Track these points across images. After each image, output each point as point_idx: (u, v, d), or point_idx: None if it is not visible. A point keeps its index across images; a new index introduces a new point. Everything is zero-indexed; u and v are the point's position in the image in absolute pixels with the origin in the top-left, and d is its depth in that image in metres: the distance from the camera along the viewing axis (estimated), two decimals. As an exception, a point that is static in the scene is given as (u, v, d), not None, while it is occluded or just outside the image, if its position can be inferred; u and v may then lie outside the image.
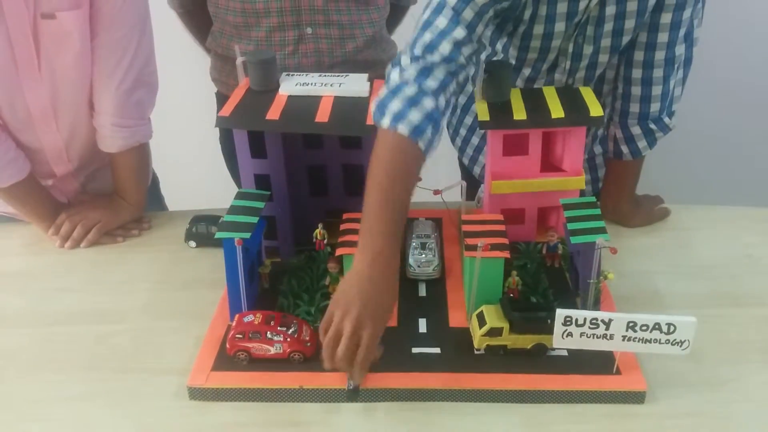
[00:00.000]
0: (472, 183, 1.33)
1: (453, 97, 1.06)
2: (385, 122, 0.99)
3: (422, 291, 1.16)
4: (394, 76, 1.04)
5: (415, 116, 0.98)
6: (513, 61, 1.26)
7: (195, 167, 1.82)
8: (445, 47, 1.02)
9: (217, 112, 1.60)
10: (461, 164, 1.55)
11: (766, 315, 1.12)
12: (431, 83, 1.02)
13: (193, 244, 1.32)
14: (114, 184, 1.39)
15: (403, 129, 0.97)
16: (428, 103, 1.00)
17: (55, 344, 1.10)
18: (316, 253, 1.21)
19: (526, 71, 1.27)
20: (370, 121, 1.08)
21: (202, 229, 1.31)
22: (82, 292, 1.22)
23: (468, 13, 1.03)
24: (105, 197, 1.39)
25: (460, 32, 1.03)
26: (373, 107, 1.03)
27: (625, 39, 1.18)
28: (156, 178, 1.60)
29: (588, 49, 1.19)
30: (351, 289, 0.91)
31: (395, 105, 0.99)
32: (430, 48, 1.03)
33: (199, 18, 1.53)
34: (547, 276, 1.16)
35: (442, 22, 1.03)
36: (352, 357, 0.88)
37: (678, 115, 1.30)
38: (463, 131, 1.45)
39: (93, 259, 1.31)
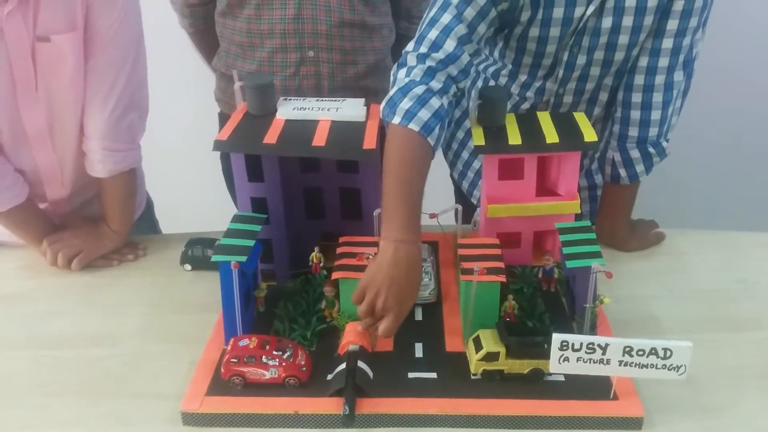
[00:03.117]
0: (467, 207, 1.34)
1: (452, 104, 1.13)
2: (397, 119, 1.05)
3: (418, 315, 1.16)
4: (401, 75, 1.11)
5: (424, 114, 1.05)
6: (509, 65, 1.29)
7: (190, 189, 1.82)
8: (450, 44, 1.09)
9: (219, 131, 1.64)
10: (457, 188, 1.56)
11: (763, 339, 1.12)
12: (436, 84, 1.08)
13: (188, 267, 1.32)
14: (101, 210, 1.37)
15: (414, 126, 1.04)
16: (436, 102, 1.06)
17: (48, 368, 1.08)
18: (312, 276, 1.20)
19: (522, 77, 1.31)
20: (366, 146, 1.09)
21: (198, 252, 1.31)
22: (75, 315, 1.21)
23: (470, 12, 1.11)
24: (89, 224, 1.37)
25: (462, 29, 1.10)
26: (382, 106, 1.10)
27: (618, 55, 1.21)
28: (150, 201, 1.60)
29: (581, 60, 1.22)
30: (380, 272, 0.98)
31: (405, 103, 1.05)
32: (436, 46, 1.09)
33: (209, 38, 1.56)
34: (544, 300, 1.16)
35: (446, 18, 1.10)
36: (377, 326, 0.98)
37: (672, 140, 1.31)
38: (465, 155, 1.47)
39: (87, 282, 1.31)
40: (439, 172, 1.46)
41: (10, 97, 1.20)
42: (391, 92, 1.09)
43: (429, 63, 1.09)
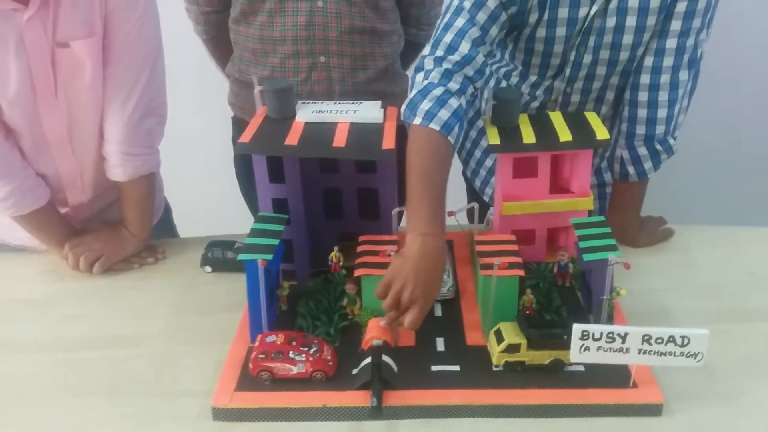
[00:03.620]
0: (479, 204, 1.37)
1: (470, 103, 1.17)
2: (417, 120, 1.10)
3: (438, 311, 1.18)
4: (419, 78, 1.15)
5: (444, 114, 1.10)
6: (519, 66, 1.33)
7: (207, 194, 1.85)
8: (465, 46, 1.14)
9: (233, 135, 1.67)
10: (469, 185, 1.59)
11: (773, 329, 1.15)
12: (453, 85, 1.13)
13: (208, 269, 1.34)
14: (121, 213, 1.40)
15: (434, 125, 1.09)
16: (454, 102, 1.11)
17: (75, 370, 1.10)
18: (332, 275, 1.23)
19: (532, 77, 1.35)
20: (385, 146, 1.12)
21: (218, 254, 1.33)
22: (99, 318, 1.23)
23: (481, 16, 1.16)
24: (110, 228, 1.39)
25: (475, 32, 1.15)
26: (403, 108, 1.14)
27: (623, 54, 1.25)
28: (168, 207, 1.62)
29: (587, 59, 1.26)
30: (406, 265, 1.02)
31: (425, 105, 1.10)
32: (452, 49, 1.14)
33: (222, 45, 1.59)
34: (559, 295, 1.19)
35: (460, 22, 1.15)
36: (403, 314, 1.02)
37: (680, 138, 1.35)
38: (478, 153, 1.51)
39: (109, 286, 1.33)
40: (451, 170, 1.50)
41: (31, 103, 1.22)
42: (411, 95, 1.14)
43: (446, 65, 1.14)
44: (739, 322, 1.17)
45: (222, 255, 1.33)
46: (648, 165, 1.33)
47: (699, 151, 2.05)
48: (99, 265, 1.34)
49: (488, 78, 1.25)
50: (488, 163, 1.48)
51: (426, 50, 1.18)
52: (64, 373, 1.10)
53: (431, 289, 1.02)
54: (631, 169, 1.33)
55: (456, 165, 1.59)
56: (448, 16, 1.17)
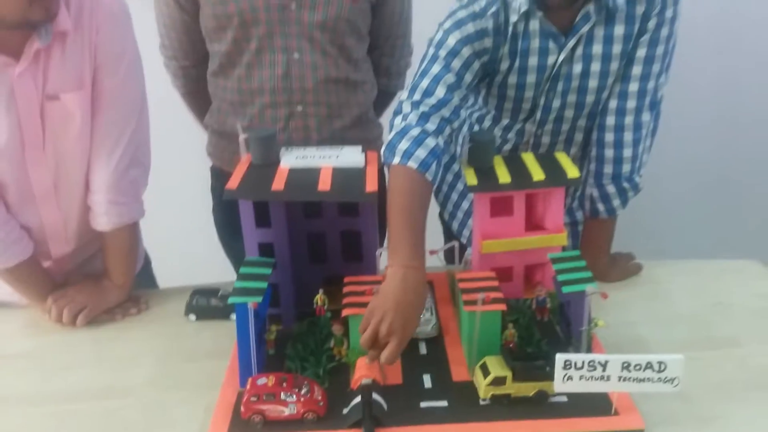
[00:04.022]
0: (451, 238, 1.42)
1: (447, 143, 1.23)
2: (396, 160, 1.16)
3: (423, 349, 1.21)
4: (398, 121, 1.21)
5: (421, 153, 1.16)
6: (492, 110, 1.40)
7: (186, 244, 1.86)
8: (441, 91, 1.21)
9: (212, 184, 1.70)
10: (447, 229, 1.64)
11: (742, 355, 1.20)
12: (430, 126, 1.19)
13: (193, 317, 1.35)
14: (104, 264, 1.41)
15: (412, 164, 1.14)
16: (431, 141, 1.17)
17: (65, 422, 1.10)
18: (317, 318, 1.25)
19: (504, 121, 1.42)
20: (368, 189, 1.17)
21: (203, 301, 1.34)
22: (85, 369, 1.23)
23: (456, 63, 1.23)
24: (92, 280, 1.40)
25: (450, 77, 1.22)
26: (383, 149, 1.19)
27: (589, 98, 1.33)
28: (148, 258, 1.63)
29: (556, 103, 1.34)
30: (388, 298, 1.05)
31: (403, 145, 1.16)
32: (428, 93, 1.21)
33: (200, 98, 1.62)
34: (539, 329, 1.23)
35: (435, 69, 1.23)
36: (381, 350, 1.03)
37: (645, 178, 1.43)
38: (454, 196, 1.56)
39: (93, 337, 1.32)
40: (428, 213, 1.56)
41: (19, 155, 1.24)
42: (390, 136, 1.19)
43: (422, 108, 1.21)
44: (710, 350, 1.22)
45: (207, 302, 1.34)
46: (616, 202, 1.39)
47: (665, 189, 2.17)
48: (82, 317, 1.33)
49: (464, 120, 1.32)
50: (465, 205, 1.54)
51: (404, 95, 1.24)
52: (55, 426, 1.09)
53: (409, 321, 1.05)
54: (600, 207, 1.40)
55: (433, 207, 1.65)
56: (425, 63, 1.25)
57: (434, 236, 1.60)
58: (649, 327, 1.28)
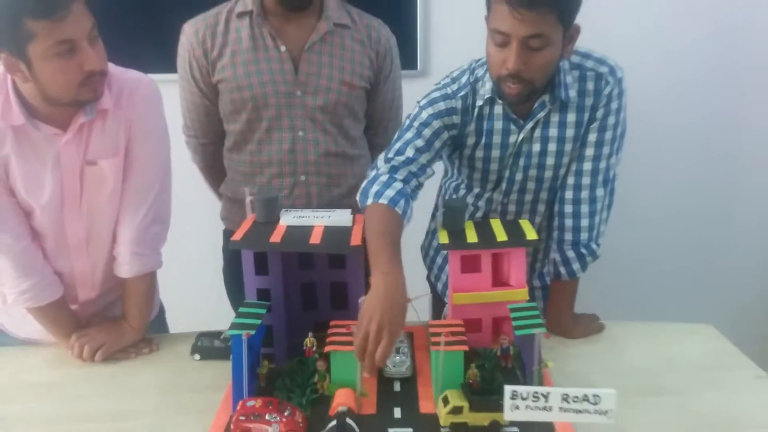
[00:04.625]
0: (440, 304, 1.59)
1: (413, 191, 1.47)
2: (370, 200, 1.40)
3: (397, 387, 1.36)
4: (371, 173, 1.46)
5: (390, 192, 1.41)
6: (465, 179, 1.62)
7: (196, 297, 2.05)
8: (410, 151, 1.47)
9: (223, 245, 1.91)
10: (433, 290, 1.82)
11: (684, 402, 1.33)
12: (399, 176, 1.44)
13: (197, 357, 1.52)
14: (123, 308, 1.60)
15: (383, 201, 1.38)
16: (398, 185, 1.41)
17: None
18: (306, 359, 1.41)
19: (476, 189, 1.63)
20: (353, 243, 1.36)
21: (207, 342, 1.52)
22: (101, 397, 1.39)
23: (427, 132, 1.49)
24: (111, 321, 1.59)
25: (420, 142, 1.47)
26: (358, 196, 1.44)
27: (548, 173, 1.54)
28: (163, 307, 1.82)
29: (519, 176, 1.55)
30: (372, 301, 1.23)
31: (374, 188, 1.41)
32: (399, 152, 1.47)
33: (216, 170, 1.86)
34: (501, 374, 1.38)
35: (408, 135, 1.49)
36: (374, 352, 1.19)
37: (605, 246, 1.61)
38: (439, 260, 1.76)
39: (109, 372, 1.49)
40: (416, 276, 1.75)
41: (58, 210, 1.46)
42: (363, 184, 1.45)
43: (393, 163, 1.46)
44: (654, 396, 1.35)
45: (210, 344, 1.52)
46: (576, 266, 1.57)
47: (623, 256, 2.37)
48: (100, 353, 1.51)
49: (429, 175, 1.54)
50: (447, 268, 1.72)
51: (381, 154, 1.50)
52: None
53: (395, 317, 1.21)
54: (562, 270, 1.58)
55: (422, 270, 1.85)
56: (401, 130, 1.52)
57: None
58: (602, 376, 1.42)
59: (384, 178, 1.44)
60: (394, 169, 1.46)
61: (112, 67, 1.44)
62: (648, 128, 2.46)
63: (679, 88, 2.54)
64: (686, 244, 2.73)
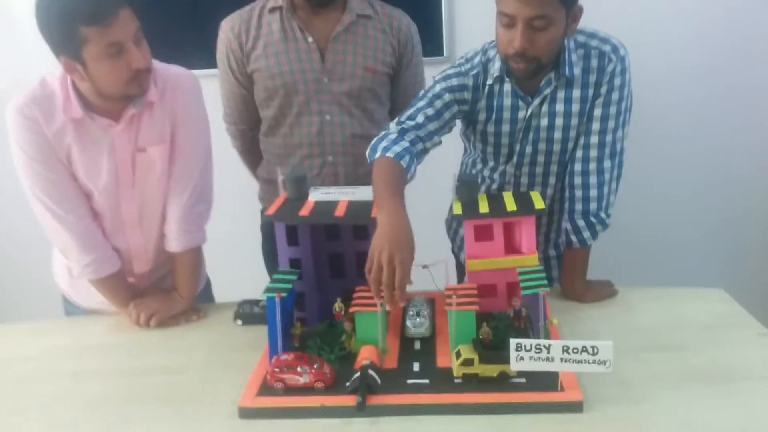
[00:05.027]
0: (463, 272, 1.72)
1: (420, 153, 1.61)
2: (378, 154, 1.54)
3: (417, 346, 1.49)
4: (381, 134, 1.59)
5: (397, 148, 1.55)
6: (480, 154, 1.74)
7: (239, 270, 2.23)
8: (420, 118, 1.61)
9: (261, 223, 2.07)
10: (457, 261, 1.95)
11: (685, 356, 1.42)
12: (406, 137, 1.58)
13: (239, 322, 1.68)
14: (173, 279, 1.77)
15: (390, 155, 1.52)
16: (405, 143, 1.55)
17: (138, 387, 1.43)
18: (336, 322, 1.56)
19: (490, 163, 1.75)
20: (374, 215, 1.49)
21: (247, 309, 1.68)
22: (155, 355, 1.57)
23: (439, 103, 1.64)
24: (164, 292, 1.77)
25: (430, 111, 1.61)
26: (367, 151, 1.59)
27: (556, 146, 1.64)
28: (209, 281, 2.00)
29: (529, 149, 1.66)
30: (380, 236, 1.36)
31: (383, 144, 1.56)
32: (410, 117, 1.61)
33: (253, 154, 2.04)
34: (514, 333, 1.49)
35: (421, 104, 1.62)
36: (392, 282, 1.31)
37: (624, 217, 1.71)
38: (461, 231, 1.88)
39: (162, 335, 1.67)
40: (444, 249, 1.89)
41: (114, 192, 1.64)
42: (373, 141, 1.59)
43: (403, 126, 1.60)
44: (658, 352, 1.45)
45: (250, 310, 1.68)
46: (587, 234, 1.67)
47: (645, 227, 2.50)
48: (154, 319, 1.69)
49: (436, 143, 1.67)
50: (461, 232, 1.85)
51: (394, 119, 1.65)
52: (132, 390, 1.42)
53: (404, 245, 1.33)
54: (573, 238, 1.68)
55: (447, 243, 1.97)
56: (416, 99, 1.66)
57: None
58: (609, 335, 1.47)
59: (393, 136, 1.58)
60: (403, 131, 1.59)
61: (157, 63, 1.61)
62: (654, 102, 2.53)
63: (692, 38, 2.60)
64: (699, 213, 2.83)
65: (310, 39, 1.83)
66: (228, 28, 1.87)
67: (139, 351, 1.60)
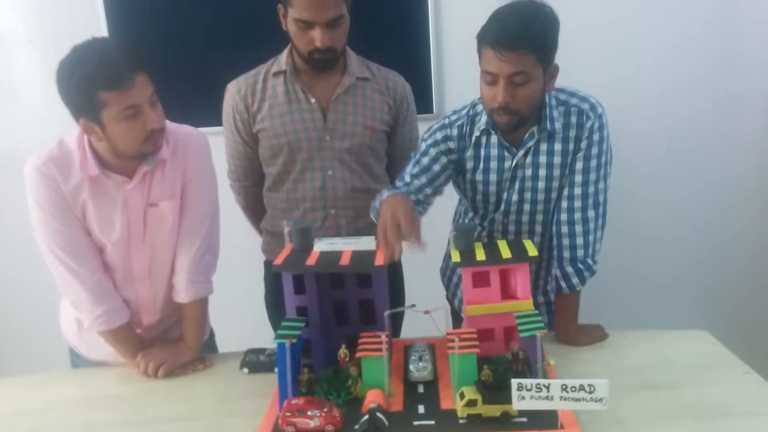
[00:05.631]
0: (457, 319, 1.79)
1: (417, 205, 1.75)
2: (377, 203, 1.73)
3: (420, 389, 1.56)
4: (377, 196, 1.76)
5: (396, 191, 1.74)
6: (471, 203, 1.85)
7: (242, 321, 2.28)
8: (407, 178, 1.82)
9: (265, 274, 2.14)
10: (452, 309, 2.02)
11: (675, 395, 1.50)
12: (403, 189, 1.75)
13: (245, 370, 1.73)
14: (180, 330, 1.82)
15: (388, 192, 1.74)
16: (403, 190, 1.74)
17: (150, 438, 1.48)
18: (340, 367, 1.62)
19: (480, 211, 1.85)
20: (377, 263, 1.58)
21: (254, 358, 1.73)
22: (164, 405, 1.61)
23: (425, 159, 1.81)
24: (171, 342, 1.82)
25: (416, 169, 1.82)
26: (371, 213, 1.76)
27: (540, 196, 1.75)
28: (212, 331, 2.05)
29: (515, 197, 1.77)
30: (385, 215, 1.61)
31: (385, 192, 1.72)
32: (400, 179, 1.82)
33: (256, 209, 2.12)
34: (513, 376, 1.56)
35: (409, 166, 1.82)
36: (395, 225, 1.57)
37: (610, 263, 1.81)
38: (455, 279, 1.98)
39: (170, 384, 1.72)
40: (438, 296, 1.97)
41: (125, 246, 1.71)
42: (372, 204, 1.76)
43: (395, 187, 1.78)
44: (650, 391, 1.52)
45: (256, 358, 1.73)
46: (575, 280, 1.76)
47: (630, 272, 2.65)
48: (162, 369, 1.74)
49: (428, 196, 1.83)
50: (454, 279, 1.93)
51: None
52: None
53: (405, 210, 1.57)
54: (562, 284, 1.77)
55: (441, 291, 2.05)
56: (407, 163, 1.82)
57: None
58: (602, 376, 1.53)
59: (389, 189, 1.77)
60: (395, 189, 1.76)
61: (168, 123, 1.70)
62: (629, 157, 2.67)
63: (659, 101, 2.78)
64: (681, 256, 2.97)
65: (313, 100, 1.94)
66: (234, 91, 1.99)
67: (149, 401, 1.64)
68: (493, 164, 1.76)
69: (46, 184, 1.61)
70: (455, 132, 1.78)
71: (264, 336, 2.09)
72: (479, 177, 1.78)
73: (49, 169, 1.61)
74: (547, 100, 1.71)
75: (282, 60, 1.97)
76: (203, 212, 1.76)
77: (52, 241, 1.65)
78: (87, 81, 1.51)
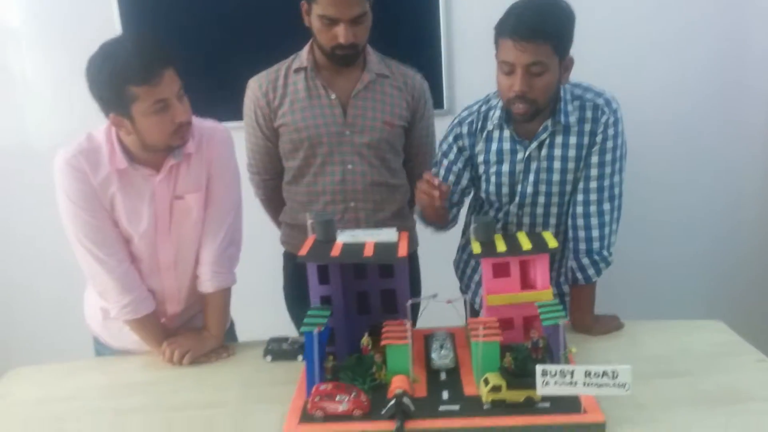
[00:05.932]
0: (472, 312, 1.83)
1: (452, 207, 1.82)
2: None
3: (443, 377, 1.59)
4: None
5: None
6: (486, 195, 1.88)
7: (260, 311, 2.31)
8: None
9: (284, 264, 2.17)
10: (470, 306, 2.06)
11: (693, 381, 1.54)
12: None
13: (269, 358, 1.77)
14: (204, 319, 1.86)
15: None
16: None
17: (175, 423, 1.50)
18: (363, 356, 1.65)
19: (495, 203, 1.88)
20: (399, 254, 1.61)
21: (276, 346, 1.77)
22: (190, 392, 1.64)
23: (445, 161, 1.88)
24: (195, 331, 1.86)
25: (442, 171, 1.82)
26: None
27: (554, 188, 1.79)
28: (232, 321, 2.08)
29: (529, 190, 1.81)
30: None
31: None
32: None
33: (275, 202, 2.16)
34: (533, 363, 1.60)
35: (433, 170, 1.83)
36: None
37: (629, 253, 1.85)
38: (468, 271, 2.02)
39: (195, 372, 1.75)
40: (452, 288, 1.99)
41: (152, 237, 1.75)
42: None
43: None
44: (668, 378, 1.56)
45: (279, 347, 1.77)
46: (591, 272, 1.79)
47: (647, 263, 2.68)
48: (187, 357, 1.77)
49: (457, 192, 1.89)
50: (476, 278, 1.97)
51: None
52: (168, 426, 1.50)
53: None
54: (578, 275, 1.80)
55: (455, 283, 2.09)
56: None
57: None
58: (621, 363, 1.63)
59: None
60: None
61: (193, 118, 1.73)
62: (645, 150, 2.72)
63: (667, 89, 2.81)
64: (691, 245, 3.00)
65: (333, 96, 1.98)
66: (256, 87, 2.02)
67: (176, 388, 1.67)
68: (506, 157, 1.80)
69: (76, 177, 1.65)
70: (465, 129, 1.83)
71: (282, 325, 2.14)
72: (492, 169, 1.82)
73: (79, 162, 1.64)
74: (562, 93, 1.74)
75: (303, 56, 2.01)
76: (227, 205, 1.80)
77: (81, 232, 1.68)
78: (117, 76, 1.54)
